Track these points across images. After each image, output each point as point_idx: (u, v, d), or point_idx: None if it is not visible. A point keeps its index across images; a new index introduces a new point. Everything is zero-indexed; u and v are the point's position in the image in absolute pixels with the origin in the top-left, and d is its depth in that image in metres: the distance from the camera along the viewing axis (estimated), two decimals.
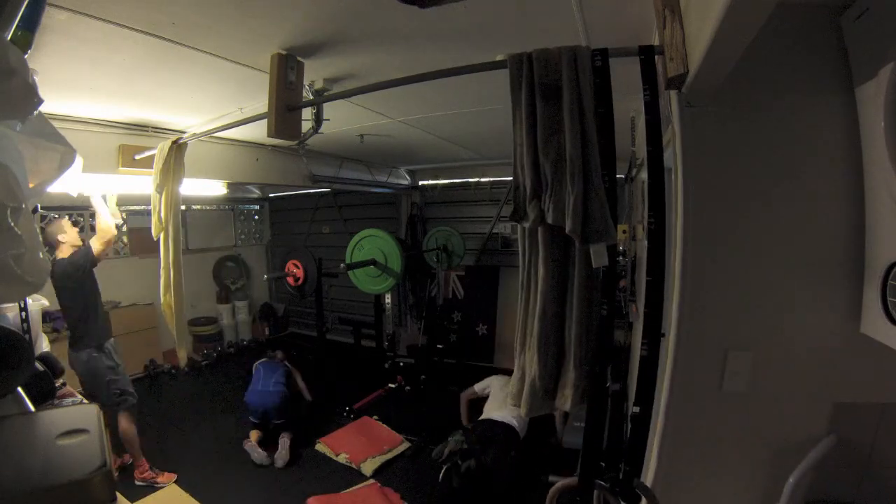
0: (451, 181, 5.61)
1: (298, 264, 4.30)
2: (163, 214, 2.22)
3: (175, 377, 5.10)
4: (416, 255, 5.37)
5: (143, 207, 3.37)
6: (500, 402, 3.37)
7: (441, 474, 2.95)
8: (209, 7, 1.31)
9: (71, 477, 0.72)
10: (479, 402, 3.62)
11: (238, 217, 6.88)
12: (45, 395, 1.66)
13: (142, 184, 2.73)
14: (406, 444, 3.62)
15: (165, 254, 2.26)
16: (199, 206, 6.12)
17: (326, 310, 5.70)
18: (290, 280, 4.42)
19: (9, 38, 0.89)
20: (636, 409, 1.03)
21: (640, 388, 1.03)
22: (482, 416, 3.34)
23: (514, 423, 3.20)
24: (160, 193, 2.21)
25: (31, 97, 0.80)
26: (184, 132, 2.74)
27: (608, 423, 1.10)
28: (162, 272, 2.31)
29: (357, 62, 1.80)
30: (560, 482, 1.14)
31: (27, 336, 1.84)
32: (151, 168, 2.30)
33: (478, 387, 3.67)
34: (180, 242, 2.28)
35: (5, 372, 0.95)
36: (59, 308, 2.96)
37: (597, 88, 1.01)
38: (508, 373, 4.28)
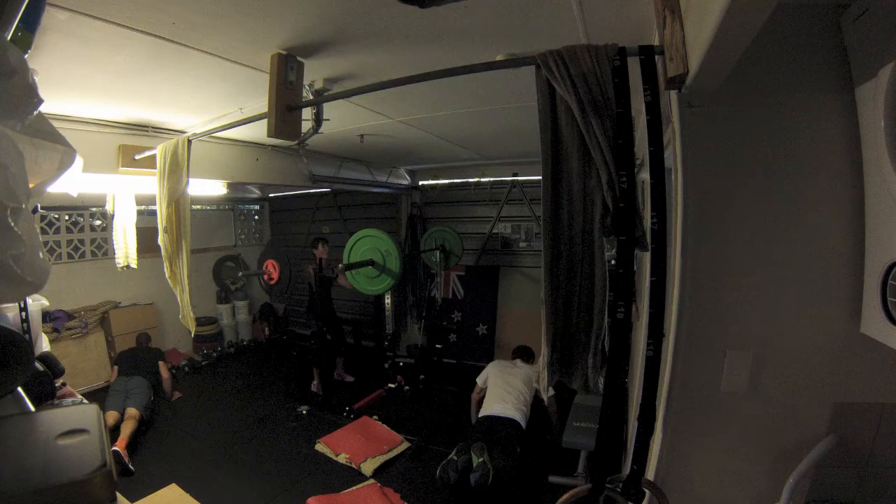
0: (451, 181, 5.61)
1: (276, 265, 4.39)
2: (165, 211, 2.22)
3: (175, 377, 5.09)
4: (415, 255, 5.37)
5: (144, 208, 3.37)
6: (500, 394, 3.34)
7: (438, 471, 2.93)
8: (209, 7, 1.31)
9: (71, 477, 0.72)
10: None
11: (238, 217, 6.88)
12: (45, 395, 1.66)
13: (147, 184, 2.73)
14: (406, 444, 3.62)
15: (172, 243, 2.26)
16: (199, 206, 6.12)
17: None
18: (266, 277, 4.53)
19: (9, 38, 0.89)
20: (641, 410, 1.03)
21: (647, 388, 1.03)
22: (482, 413, 3.33)
23: (516, 415, 3.18)
24: (173, 187, 2.21)
25: (31, 97, 0.80)
26: (183, 132, 2.75)
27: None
28: (166, 263, 2.31)
29: (357, 62, 1.80)
30: (572, 491, 1.13)
31: (27, 336, 1.84)
32: (151, 168, 2.28)
33: (479, 380, 3.66)
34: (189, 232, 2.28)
35: (5, 372, 0.95)
36: (59, 308, 2.97)
37: (616, 88, 1.01)
38: None
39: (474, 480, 2.78)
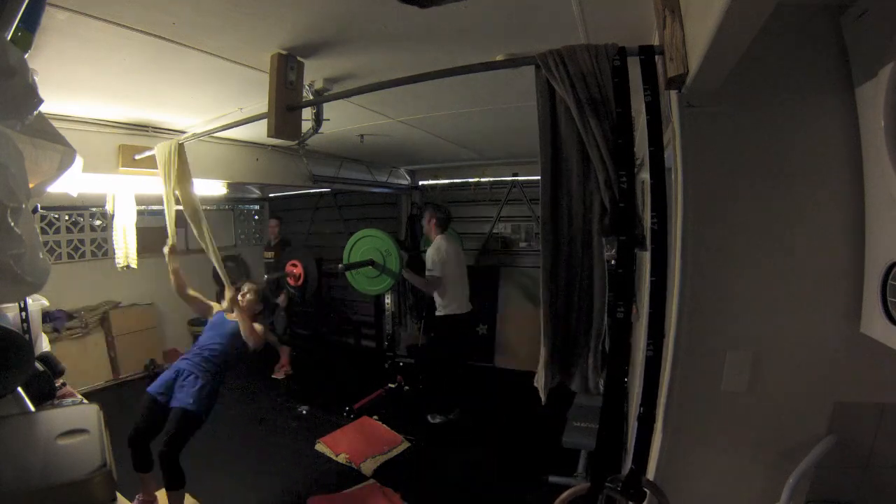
0: (451, 181, 5.61)
1: (297, 264, 4.28)
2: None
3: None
4: (415, 255, 5.37)
5: (144, 208, 3.36)
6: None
7: None
8: (209, 7, 1.31)
9: (71, 477, 0.73)
10: None
11: (238, 217, 6.88)
12: (45, 395, 1.66)
13: (147, 184, 2.73)
14: (406, 444, 3.62)
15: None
16: None
17: (327, 310, 5.72)
18: (291, 280, 4.39)
19: (9, 38, 0.89)
20: (641, 410, 1.03)
21: (646, 388, 1.03)
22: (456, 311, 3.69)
23: None
24: (173, 192, 2.25)
25: (31, 97, 0.80)
26: (184, 132, 2.75)
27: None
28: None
29: (357, 62, 1.80)
30: (571, 489, 1.13)
31: (27, 336, 1.84)
32: (151, 168, 2.29)
33: (436, 271, 3.94)
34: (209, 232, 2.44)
35: (5, 372, 0.95)
36: (59, 308, 2.97)
37: (616, 88, 1.01)
38: (510, 373, 4.26)
39: None
